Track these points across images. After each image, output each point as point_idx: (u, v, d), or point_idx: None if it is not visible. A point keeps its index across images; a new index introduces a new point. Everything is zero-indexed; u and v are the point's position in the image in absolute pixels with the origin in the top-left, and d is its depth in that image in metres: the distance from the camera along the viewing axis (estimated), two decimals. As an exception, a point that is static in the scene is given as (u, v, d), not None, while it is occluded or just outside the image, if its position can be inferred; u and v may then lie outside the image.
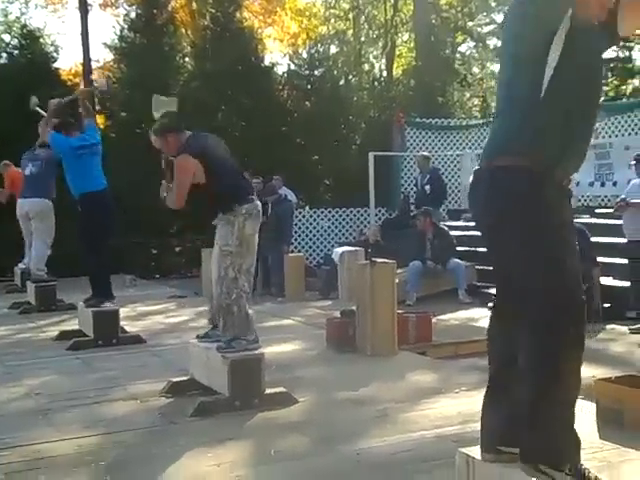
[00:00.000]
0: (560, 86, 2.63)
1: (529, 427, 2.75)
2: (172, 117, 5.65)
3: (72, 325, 8.21)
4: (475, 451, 3.05)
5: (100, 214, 7.71)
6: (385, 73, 25.94)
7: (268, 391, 5.05)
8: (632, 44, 24.02)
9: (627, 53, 24.05)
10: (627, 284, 8.84)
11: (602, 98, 2.64)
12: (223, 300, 5.13)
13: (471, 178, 2.96)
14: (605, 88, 24.02)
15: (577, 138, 2.78)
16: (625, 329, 8.17)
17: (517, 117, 2.75)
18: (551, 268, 2.72)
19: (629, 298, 8.68)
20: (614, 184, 12.21)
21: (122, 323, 7.64)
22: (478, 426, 3.02)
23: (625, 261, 8.89)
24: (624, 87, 23.25)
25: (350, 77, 20.83)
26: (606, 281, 9.26)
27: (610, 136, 13.28)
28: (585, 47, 2.65)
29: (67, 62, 26.64)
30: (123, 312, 8.01)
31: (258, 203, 5.39)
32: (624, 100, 18.37)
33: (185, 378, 5.51)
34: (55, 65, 17.54)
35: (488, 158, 2.84)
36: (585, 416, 4.36)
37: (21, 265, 11.69)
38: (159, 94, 11.90)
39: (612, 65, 24.42)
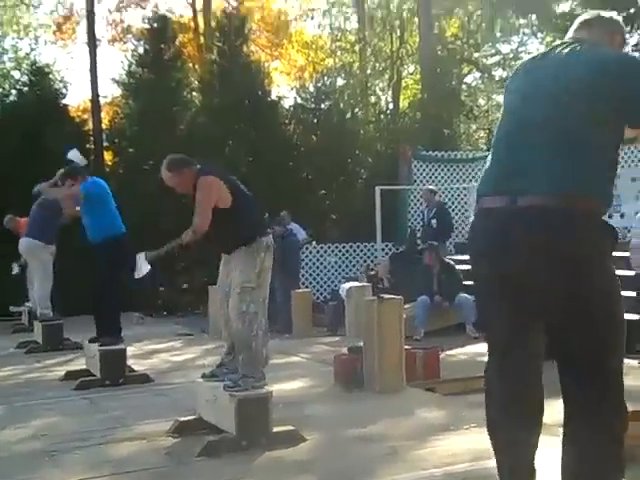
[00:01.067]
0: (613, 161, 2.88)
1: None
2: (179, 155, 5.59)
3: (79, 365, 8.21)
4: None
5: (121, 257, 7.77)
6: (391, 105, 26.08)
7: (276, 429, 5.00)
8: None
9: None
10: (636, 317, 8.79)
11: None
12: (245, 336, 5.11)
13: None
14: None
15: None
16: (635, 363, 8.11)
17: (592, 164, 2.78)
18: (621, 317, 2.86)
19: (638, 331, 8.62)
20: (621, 216, 12.20)
21: (129, 362, 7.63)
22: (487, 463, 3.00)
23: (633, 294, 8.84)
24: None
25: (356, 110, 20.90)
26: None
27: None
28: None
29: (76, 98, 26.86)
30: (130, 351, 8.01)
31: (271, 236, 5.44)
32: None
33: (192, 417, 5.47)
34: (64, 101, 17.72)
35: (561, 196, 2.73)
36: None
37: (28, 304, 11.70)
38: (166, 129, 11.96)
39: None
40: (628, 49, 24.09)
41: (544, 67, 2.95)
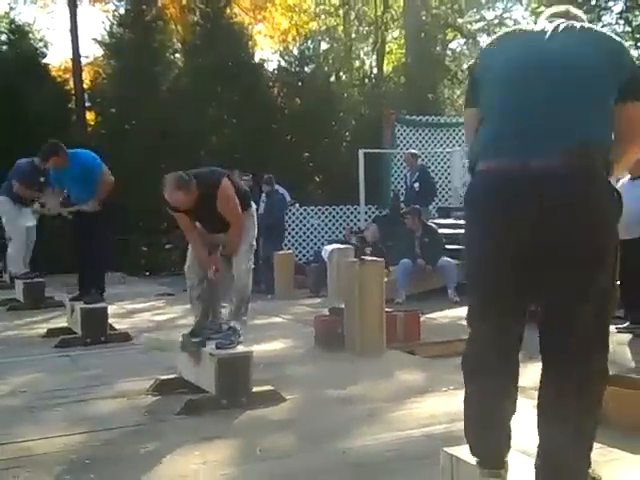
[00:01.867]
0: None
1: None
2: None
3: (61, 323, 8.19)
4: (460, 450, 3.05)
5: (114, 220, 8.04)
6: (375, 70, 25.93)
7: (256, 389, 5.04)
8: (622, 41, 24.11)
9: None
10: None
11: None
12: (248, 291, 5.53)
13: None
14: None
15: None
16: (612, 328, 8.18)
17: (599, 125, 2.71)
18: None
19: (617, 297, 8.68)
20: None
21: (110, 321, 7.63)
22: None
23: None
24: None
25: (340, 74, 20.79)
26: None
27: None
28: None
29: (57, 58, 26.51)
30: (112, 310, 7.99)
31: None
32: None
33: (173, 376, 5.50)
34: (44, 61, 17.51)
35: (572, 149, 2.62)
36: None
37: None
38: (148, 90, 11.82)
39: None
40: (612, 17, 24.08)
41: (538, 39, 2.86)
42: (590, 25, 2.94)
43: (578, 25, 2.86)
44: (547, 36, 2.83)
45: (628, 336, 7.84)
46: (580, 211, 2.59)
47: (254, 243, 5.66)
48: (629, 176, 8.24)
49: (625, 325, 8.08)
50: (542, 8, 24.55)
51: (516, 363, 2.91)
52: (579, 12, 3.12)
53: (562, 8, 3.10)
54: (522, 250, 2.67)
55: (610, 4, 23.34)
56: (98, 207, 7.72)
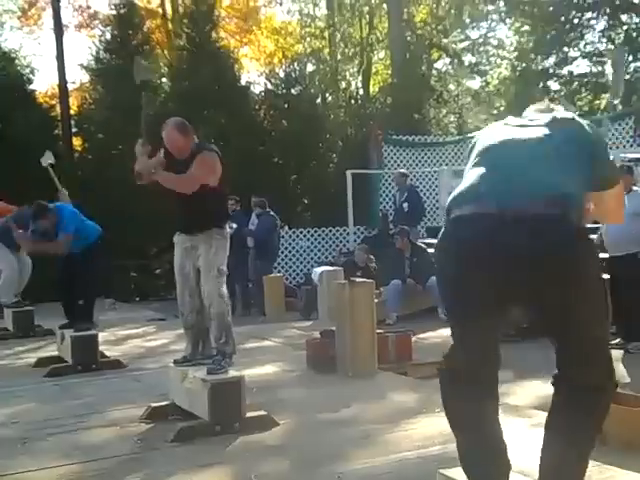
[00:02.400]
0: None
1: None
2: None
3: (50, 351, 8.15)
4: (455, 472, 3.05)
5: (103, 254, 8.12)
6: (362, 91, 26.05)
7: (249, 414, 5.01)
8: (605, 59, 24.29)
9: (600, 68, 24.29)
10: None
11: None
12: (226, 317, 5.27)
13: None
14: (579, 103, 24.31)
15: None
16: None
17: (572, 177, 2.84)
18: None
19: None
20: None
21: (101, 348, 7.58)
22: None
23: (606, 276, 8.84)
24: (597, 102, 23.52)
25: (327, 95, 20.89)
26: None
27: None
28: None
29: (43, 84, 26.60)
30: (102, 336, 7.96)
31: None
32: (598, 115, 18.56)
33: (165, 403, 5.46)
34: (31, 87, 17.54)
35: (552, 203, 2.73)
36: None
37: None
38: (135, 115, 11.78)
39: (586, 80, 24.69)
40: (595, 36, 24.31)
41: (522, 126, 3.08)
42: (569, 116, 3.09)
43: (559, 116, 3.06)
44: (529, 125, 3.05)
45: (620, 352, 7.85)
46: (561, 256, 2.69)
47: (224, 268, 5.37)
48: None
49: (617, 341, 8.10)
50: (525, 27, 24.81)
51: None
52: (560, 107, 3.27)
53: (543, 105, 3.30)
54: (502, 289, 2.77)
55: (592, 22, 23.59)
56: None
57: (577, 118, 3.08)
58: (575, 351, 2.83)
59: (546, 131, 2.95)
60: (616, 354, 7.68)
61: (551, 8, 23.18)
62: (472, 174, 2.93)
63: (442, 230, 2.95)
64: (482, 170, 2.90)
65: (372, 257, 12.30)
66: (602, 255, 8.77)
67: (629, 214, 7.89)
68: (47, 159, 9.56)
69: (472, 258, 2.76)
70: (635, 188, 8.30)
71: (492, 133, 3.10)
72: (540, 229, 2.66)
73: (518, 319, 2.90)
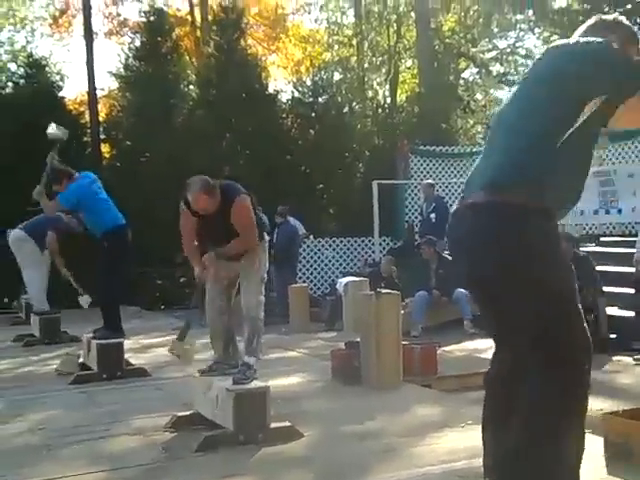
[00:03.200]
0: (571, 141, 2.84)
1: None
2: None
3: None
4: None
5: (122, 249, 7.86)
6: (389, 100, 26.04)
7: (273, 425, 5.00)
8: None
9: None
10: (632, 314, 8.79)
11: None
12: (261, 324, 5.40)
13: (460, 208, 3.12)
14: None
15: (576, 183, 3.01)
16: (630, 360, 8.13)
17: (529, 156, 2.88)
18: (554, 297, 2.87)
19: (635, 328, 8.62)
20: (619, 211, 12.22)
21: (126, 356, 7.62)
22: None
23: (631, 290, 8.81)
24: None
25: (354, 104, 20.89)
26: (611, 311, 9.22)
27: (614, 163, 13.30)
28: (595, 121, 2.92)
29: (72, 91, 26.88)
30: (127, 344, 7.98)
31: None
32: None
33: (189, 412, 5.47)
34: (60, 94, 17.69)
35: (490, 191, 2.92)
36: (593, 451, 4.32)
37: (25, 296, 11.67)
38: (163, 122, 11.72)
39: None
40: None
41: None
42: (553, 46, 3.08)
43: (536, 61, 3.11)
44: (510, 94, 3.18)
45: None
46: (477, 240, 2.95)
47: (265, 276, 5.60)
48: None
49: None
50: (555, 37, 24.68)
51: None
52: (612, 16, 3.22)
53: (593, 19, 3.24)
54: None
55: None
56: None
57: (562, 43, 3.03)
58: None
59: (519, 89, 3.08)
60: (637, 370, 7.64)
61: (581, 17, 23.06)
62: None
63: None
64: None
65: (394, 268, 12.28)
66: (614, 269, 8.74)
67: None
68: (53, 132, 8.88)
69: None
70: None
71: None
72: (469, 218, 2.99)
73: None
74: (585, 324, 2.88)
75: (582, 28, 3.17)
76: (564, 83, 2.85)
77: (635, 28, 3.17)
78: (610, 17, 3.16)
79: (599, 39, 2.92)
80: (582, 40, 2.97)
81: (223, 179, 5.70)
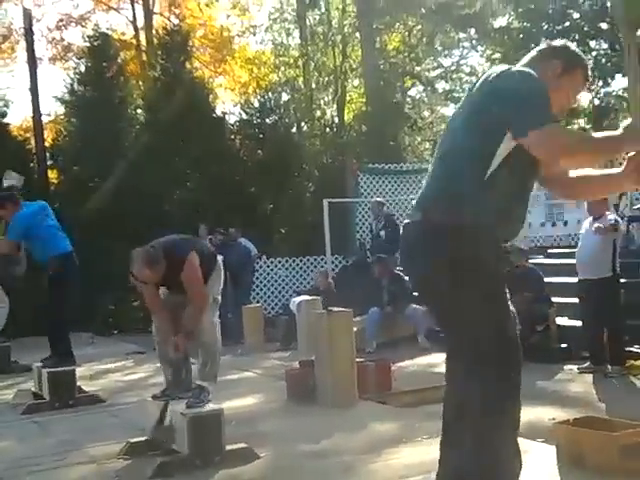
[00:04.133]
0: (499, 174, 2.95)
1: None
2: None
3: (27, 387, 8.05)
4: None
5: (68, 275, 7.75)
6: (337, 119, 26.17)
7: (229, 447, 4.97)
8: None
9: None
10: (578, 323, 8.87)
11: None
12: (217, 346, 5.52)
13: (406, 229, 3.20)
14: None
15: (513, 212, 3.11)
16: (574, 368, 8.25)
17: (461, 183, 2.99)
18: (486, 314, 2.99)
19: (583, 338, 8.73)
20: (565, 224, 12.43)
21: (79, 383, 7.50)
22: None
23: (575, 300, 8.85)
24: (569, 127, 23.75)
25: (302, 124, 20.97)
26: (561, 321, 9.35)
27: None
28: (522, 160, 2.97)
29: (18, 117, 26.56)
30: (80, 371, 7.89)
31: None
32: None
33: (144, 438, 5.42)
34: (5, 120, 17.48)
35: (428, 212, 3.05)
36: (546, 459, 4.38)
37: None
38: (111, 146, 11.52)
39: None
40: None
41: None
42: (483, 79, 3.09)
43: (476, 84, 3.10)
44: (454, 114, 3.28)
45: (589, 376, 7.90)
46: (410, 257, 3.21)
47: (218, 297, 5.69)
48: (591, 217, 8.35)
49: (586, 365, 8.15)
50: (497, 55, 25.10)
51: None
52: (557, 44, 3.27)
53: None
54: None
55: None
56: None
57: (493, 74, 3.04)
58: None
59: (453, 118, 3.19)
60: (586, 378, 7.75)
61: (521, 35, 23.47)
62: None
63: None
64: None
65: (331, 281, 12.36)
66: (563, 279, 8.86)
67: (597, 239, 8.01)
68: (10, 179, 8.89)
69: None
70: (607, 213, 8.36)
71: None
72: (406, 234, 3.17)
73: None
74: (510, 325, 3.02)
75: (531, 54, 3.23)
76: (489, 121, 2.94)
77: (580, 53, 3.24)
78: (558, 43, 3.23)
79: (535, 84, 2.95)
80: (516, 80, 2.98)
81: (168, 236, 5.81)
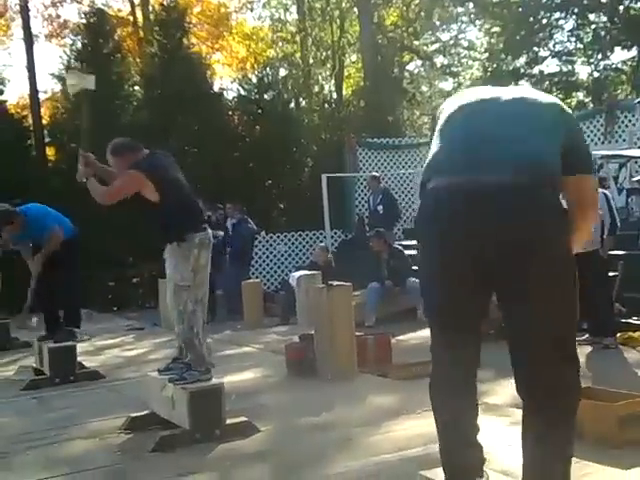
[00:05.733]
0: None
1: None
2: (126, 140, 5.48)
3: (28, 363, 8.07)
4: (436, 473, 3.06)
5: (73, 256, 7.77)
6: (335, 94, 26.12)
7: (229, 421, 4.98)
8: (574, 58, 24.50)
9: (570, 67, 24.47)
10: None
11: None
12: (187, 335, 5.12)
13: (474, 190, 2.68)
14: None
15: None
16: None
17: (552, 150, 2.77)
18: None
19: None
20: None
21: (79, 359, 7.52)
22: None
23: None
24: (569, 100, 23.69)
25: (300, 100, 20.91)
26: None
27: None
28: None
29: (14, 94, 26.46)
30: (80, 347, 7.90)
31: (210, 232, 5.35)
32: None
33: (145, 413, 5.42)
34: (2, 97, 17.43)
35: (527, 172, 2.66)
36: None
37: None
38: (108, 123, 11.25)
39: (556, 79, 24.88)
40: (564, 35, 24.51)
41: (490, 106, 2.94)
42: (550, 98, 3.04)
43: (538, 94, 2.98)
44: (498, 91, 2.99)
45: (588, 348, 7.92)
46: (529, 227, 2.63)
47: (184, 283, 5.10)
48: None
49: (584, 337, 8.17)
50: (495, 29, 24.98)
51: (475, 378, 2.98)
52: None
53: None
54: (477, 264, 2.68)
55: (561, 22, 23.78)
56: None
57: (559, 102, 3.00)
58: (538, 350, 2.71)
59: (522, 94, 2.94)
60: (584, 350, 7.76)
61: (520, 9, 23.34)
62: (446, 139, 2.87)
63: (420, 204, 2.92)
64: (455, 135, 2.85)
65: (330, 256, 12.38)
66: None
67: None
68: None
69: (448, 235, 2.71)
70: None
71: (463, 96, 3.06)
72: (507, 204, 2.61)
73: (497, 315, 2.77)
74: None
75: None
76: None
77: None
78: None
79: None
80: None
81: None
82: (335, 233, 15.53)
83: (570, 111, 3.00)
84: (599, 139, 13.95)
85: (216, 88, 18.66)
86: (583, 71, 25.63)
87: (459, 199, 2.68)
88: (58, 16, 28.69)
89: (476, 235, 2.65)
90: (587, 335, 8.19)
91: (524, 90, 3.01)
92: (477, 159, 2.70)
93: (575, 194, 2.86)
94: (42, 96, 20.06)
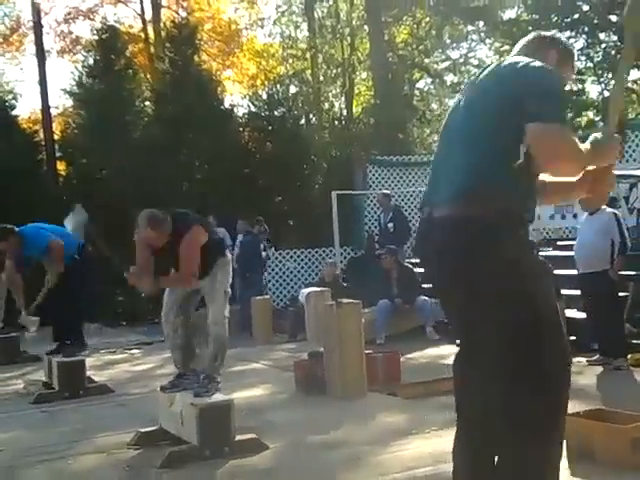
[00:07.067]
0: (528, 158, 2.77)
1: None
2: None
3: (37, 377, 8.09)
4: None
5: (85, 270, 7.90)
6: (345, 112, 26.16)
7: (238, 438, 4.98)
8: (585, 77, 24.51)
9: (580, 86, 24.46)
10: (582, 316, 8.78)
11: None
12: (225, 339, 5.42)
13: (424, 224, 3.05)
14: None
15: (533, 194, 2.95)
16: (584, 361, 8.22)
17: (487, 168, 2.81)
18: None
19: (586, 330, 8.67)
20: (574, 216, 12.36)
21: (88, 373, 7.54)
22: (449, 466, 3.02)
23: (577, 292, 8.75)
24: (579, 119, 23.70)
25: (310, 117, 20.96)
26: (570, 313, 9.30)
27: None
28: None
29: (26, 109, 26.57)
30: (89, 362, 7.93)
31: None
32: (580, 133, 18.62)
33: (153, 428, 5.42)
34: (14, 113, 17.52)
35: (453, 203, 2.82)
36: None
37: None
38: (119, 139, 11.26)
39: (567, 98, 24.87)
40: (576, 53, 24.54)
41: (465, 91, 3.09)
42: (496, 67, 3.00)
43: (485, 72, 3.00)
44: (459, 97, 3.08)
45: (599, 369, 7.87)
46: (449, 257, 2.85)
47: (229, 290, 5.61)
48: (587, 212, 8.30)
49: (595, 358, 8.12)
50: (506, 47, 25.01)
51: None
52: (549, 34, 3.19)
53: (530, 36, 3.18)
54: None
55: (571, 41, 23.78)
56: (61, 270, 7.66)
57: (503, 66, 2.94)
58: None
59: (466, 106, 2.97)
60: (595, 370, 7.72)
61: (530, 28, 23.39)
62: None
63: None
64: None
65: (338, 272, 12.36)
66: (571, 272, 8.85)
67: (596, 231, 7.98)
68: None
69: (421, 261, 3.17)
70: (603, 207, 8.29)
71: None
72: (440, 232, 2.87)
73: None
74: (562, 329, 2.85)
75: (521, 42, 3.13)
76: (515, 108, 2.77)
77: (573, 45, 3.22)
78: (548, 33, 3.16)
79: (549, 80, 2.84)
80: (543, 73, 2.85)
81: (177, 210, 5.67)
82: (344, 250, 15.51)
83: (523, 61, 2.88)
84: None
85: (227, 105, 18.70)
86: (593, 90, 25.65)
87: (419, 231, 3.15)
88: (70, 32, 28.98)
89: (427, 264, 3.10)
90: (598, 356, 8.15)
91: (477, 87, 2.99)
92: (431, 195, 3.03)
93: (532, 146, 2.75)
94: (54, 111, 20.14)
